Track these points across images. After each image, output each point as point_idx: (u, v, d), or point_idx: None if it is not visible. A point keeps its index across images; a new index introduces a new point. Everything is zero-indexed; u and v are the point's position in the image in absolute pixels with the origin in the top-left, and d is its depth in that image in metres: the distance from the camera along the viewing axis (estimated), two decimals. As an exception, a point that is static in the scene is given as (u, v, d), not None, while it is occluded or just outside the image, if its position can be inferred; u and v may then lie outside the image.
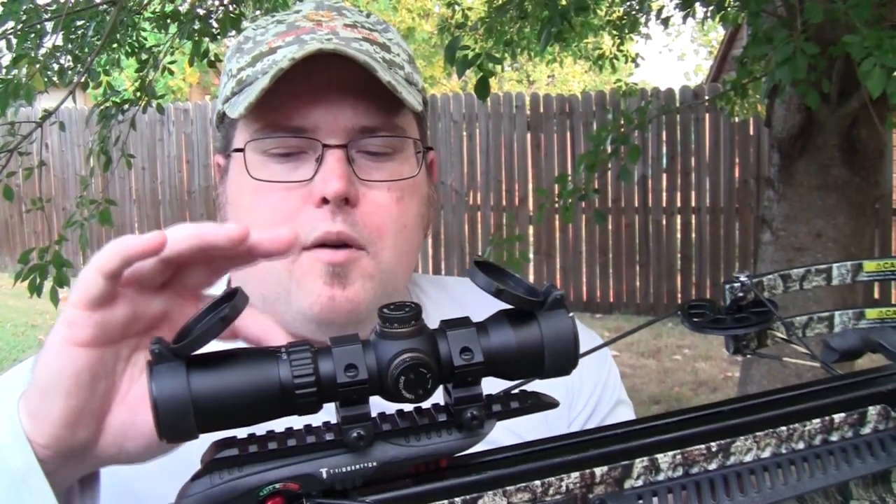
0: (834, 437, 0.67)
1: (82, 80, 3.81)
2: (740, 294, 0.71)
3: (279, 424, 0.58)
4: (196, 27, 4.28)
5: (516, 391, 0.61)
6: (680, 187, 8.05)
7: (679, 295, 8.14)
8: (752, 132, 7.85)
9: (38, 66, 3.12)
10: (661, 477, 0.63)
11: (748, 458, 0.65)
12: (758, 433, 0.65)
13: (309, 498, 0.56)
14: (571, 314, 0.60)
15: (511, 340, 0.59)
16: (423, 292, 1.08)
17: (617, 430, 0.65)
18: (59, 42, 3.91)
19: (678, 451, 0.63)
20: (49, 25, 3.72)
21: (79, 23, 3.95)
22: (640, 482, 0.63)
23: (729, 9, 5.02)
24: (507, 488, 0.60)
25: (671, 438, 0.64)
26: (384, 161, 0.92)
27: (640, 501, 0.63)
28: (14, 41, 3.67)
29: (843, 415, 0.67)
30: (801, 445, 0.66)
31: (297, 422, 0.58)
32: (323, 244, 0.89)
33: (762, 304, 0.71)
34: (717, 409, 0.66)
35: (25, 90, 3.03)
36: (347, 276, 0.89)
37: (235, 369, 0.56)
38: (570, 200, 3.85)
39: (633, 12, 6.25)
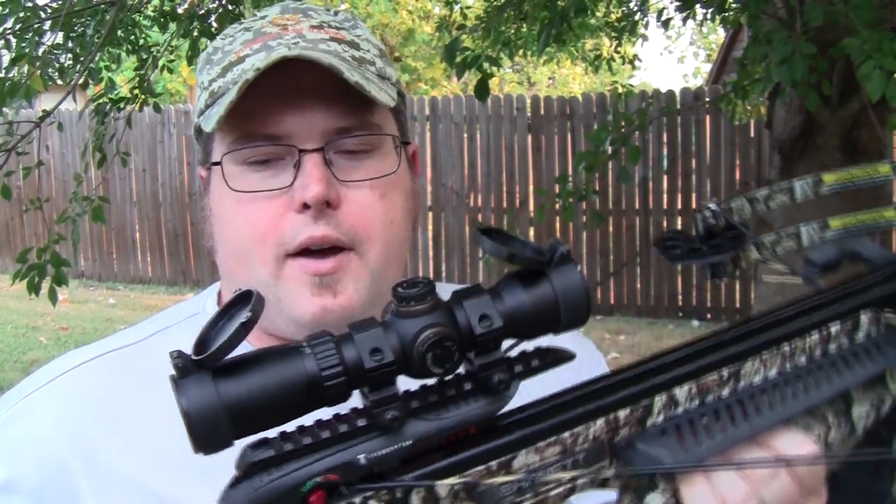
0: (832, 348, 0.71)
1: (81, 80, 3.81)
2: (712, 221, 0.73)
3: (308, 419, 0.58)
4: (194, 26, 4.27)
5: (532, 349, 0.62)
6: (681, 189, 8.04)
7: (680, 296, 8.14)
8: (752, 134, 7.84)
9: (37, 64, 3.12)
10: (679, 410, 0.66)
11: (757, 380, 0.68)
12: (763, 354, 0.68)
13: (349, 486, 0.56)
14: (579, 266, 0.61)
15: (525, 301, 0.60)
16: None
17: (631, 372, 0.66)
18: (59, 41, 3.91)
19: (693, 382, 0.66)
20: (48, 24, 3.72)
21: (79, 20, 3.95)
22: (661, 418, 0.65)
23: (729, 11, 5.02)
24: (539, 444, 0.61)
25: (686, 372, 0.66)
26: (363, 159, 0.91)
27: (665, 436, 0.65)
28: (13, 41, 3.67)
29: (838, 324, 0.71)
30: (803, 360, 0.70)
31: (323, 414, 0.58)
32: (308, 249, 0.88)
33: (734, 228, 0.73)
34: (720, 339, 0.68)
35: (25, 90, 3.03)
36: (338, 283, 0.89)
37: (261, 370, 0.55)
38: (570, 200, 3.85)
39: (632, 16, 6.25)
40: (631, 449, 0.64)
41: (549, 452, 0.61)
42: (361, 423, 0.57)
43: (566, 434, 0.62)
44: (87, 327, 8.04)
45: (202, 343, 0.55)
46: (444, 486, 0.57)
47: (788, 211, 0.77)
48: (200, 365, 0.54)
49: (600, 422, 0.63)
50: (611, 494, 0.65)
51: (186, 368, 0.54)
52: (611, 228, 8.20)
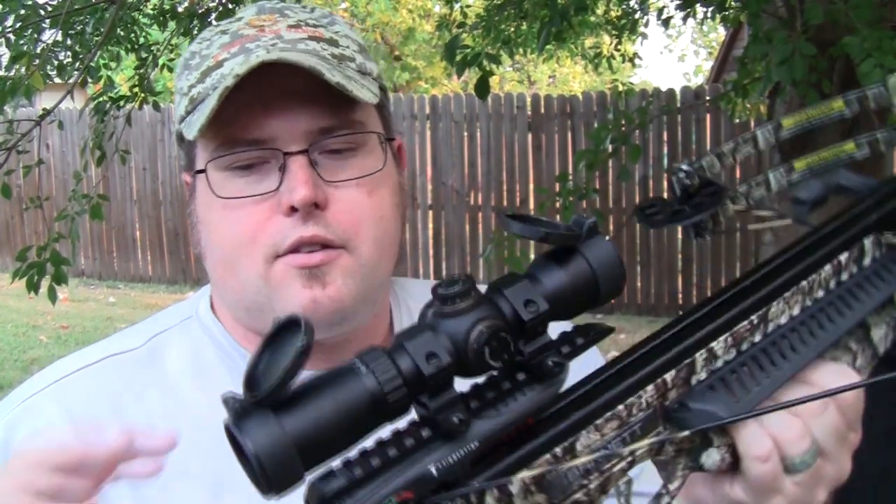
0: (844, 277, 0.72)
1: (80, 79, 3.81)
2: (687, 182, 0.73)
3: (368, 442, 0.56)
4: (194, 24, 4.27)
5: (571, 328, 0.62)
6: (681, 188, 8.03)
7: (680, 295, 8.14)
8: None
9: (36, 62, 3.12)
10: (719, 363, 0.66)
11: (784, 320, 0.69)
12: (785, 294, 0.69)
13: (424, 500, 0.55)
14: (607, 236, 0.61)
15: (563, 279, 0.59)
16: (409, 295, 1.07)
17: (665, 335, 0.66)
18: (59, 38, 3.91)
19: (727, 333, 0.66)
20: (48, 22, 3.72)
21: (78, 18, 3.95)
22: (704, 374, 0.66)
23: (729, 9, 5.01)
24: (597, 422, 0.60)
25: (720, 325, 0.66)
26: (348, 158, 0.91)
27: (711, 390, 0.65)
28: (13, 38, 3.68)
29: (846, 254, 0.72)
30: (821, 293, 0.71)
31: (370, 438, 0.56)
32: (297, 250, 0.88)
33: (710, 184, 0.73)
34: (740, 286, 0.69)
35: (25, 89, 3.03)
36: (326, 275, 0.88)
37: (321, 398, 0.53)
38: (570, 199, 3.85)
39: (632, 14, 6.24)
40: (684, 410, 0.64)
41: (607, 429, 0.61)
42: (426, 433, 0.55)
43: (621, 407, 0.61)
44: (87, 326, 8.05)
45: (252, 379, 0.52)
46: (517, 481, 0.56)
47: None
48: (260, 403, 0.51)
49: (650, 388, 0.63)
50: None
51: (245, 410, 0.51)
52: (611, 227, 8.20)
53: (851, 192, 0.76)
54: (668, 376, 0.64)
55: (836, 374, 0.70)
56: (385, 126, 0.97)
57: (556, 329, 0.60)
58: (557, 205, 4.16)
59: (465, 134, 8.67)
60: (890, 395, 0.70)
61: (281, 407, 0.51)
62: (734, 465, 0.67)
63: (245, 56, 0.89)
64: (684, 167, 0.74)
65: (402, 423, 0.56)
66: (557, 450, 0.59)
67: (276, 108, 0.88)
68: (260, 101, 0.88)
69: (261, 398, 0.50)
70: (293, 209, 0.87)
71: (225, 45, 0.92)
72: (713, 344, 0.66)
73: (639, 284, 8.25)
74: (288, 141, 0.88)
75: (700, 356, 0.65)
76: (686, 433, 0.63)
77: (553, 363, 0.58)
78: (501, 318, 0.56)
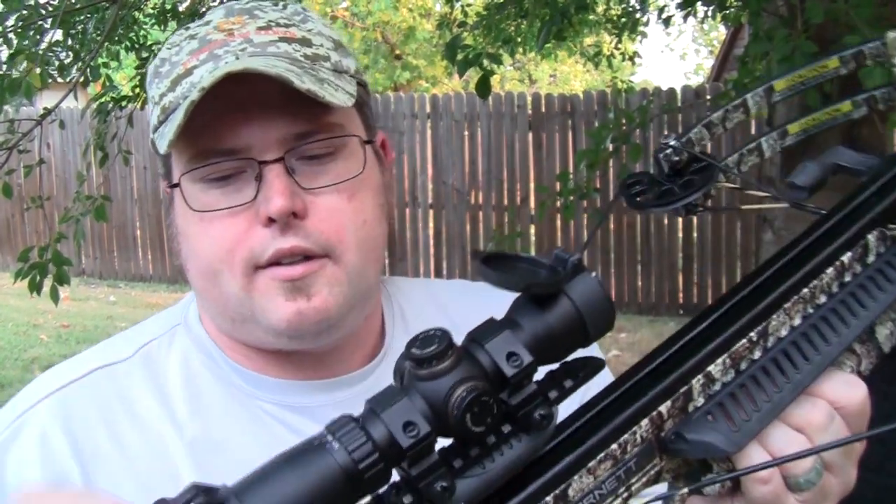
0: (847, 278, 0.66)
1: (81, 78, 3.81)
2: (675, 158, 0.69)
3: None
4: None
5: (559, 368, 0.57)
6: (681, 187, 8.03)
7: (680, 294, 8.13)
8: (753, 131, 7.84)
9: (36, 61, 3.12)
10: (717, 387, 0.62)
11: (784, 333, 0.64)
12: (786, 305, 0.64)
13: None
14: (593, 273, 0.56)
15: (548, 324, 0.55)
16: (402, 295, 1.05)
17: (661, 357, 0.62)
18: (59, 37, 3.91)
19: (725, 355, 0.62)
20: (48, 22, 3.73)
21: (78, 18, 3.95)
22: (701, 400, 0.61)
23: (730, 8, 5.02)
24: (590, 465, 0.57)
25: (717, 345, 0.62)
26: (327, 163, 0.87)
27: (710, 417, 0.61)
28: (14, 39, 3.68)
29: (849, 254, 0.66)
30: (823, 299, 0.65)
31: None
32: (278, 262, 0.86)
33: (698, 160, 0.69)
34: (739, 296, 0.64)
35: (25, 87, 3.03)
36: (311, 286, 0.86)
37: (290, 481, 0.49)
38: (570, 198, 3.86)
39: (633, 13, 6.25)
40: (681, 441, 0.60)
41: (601, 470, 0.57)
42: (408, 500, 0.52)
43: (615, 446, 0.58)
44: (87, 325, 8.05)
45: None
46: None
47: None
48: None
49: (645, 422, 0.59)
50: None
51: None
52: (611, 225, 8.20)
53: (850, 172, 0.71)
54: (664, 408, 0.60)
55: (842, 383, 0.66)
56: (365, 124, 0.94)
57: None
58: (558, 204, 4.17)
59: (466, 133, 8.67)
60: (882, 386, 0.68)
61: (247, 497, 0.48)
62: (735, 487, 0.64)
63: (214, 63, 0.87)
64: (671, 142, 0.69)
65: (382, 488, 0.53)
66: (549, 498, 0.56)
67: (250, 115, 0.85)
68: (232, 109, 0.85)
69: None
70: (271, 220, 0.84)
71: (194, 52, 0.89)
72: (710, 368, 0.61)
73: (639, 283, 8.25)
74: (263, 149, 0.85)
75: (697, 382, 0.61)
76: (683, 491, 0.60)
77: (541, 416, 0.54)
78: (483, 376, 0.52)
